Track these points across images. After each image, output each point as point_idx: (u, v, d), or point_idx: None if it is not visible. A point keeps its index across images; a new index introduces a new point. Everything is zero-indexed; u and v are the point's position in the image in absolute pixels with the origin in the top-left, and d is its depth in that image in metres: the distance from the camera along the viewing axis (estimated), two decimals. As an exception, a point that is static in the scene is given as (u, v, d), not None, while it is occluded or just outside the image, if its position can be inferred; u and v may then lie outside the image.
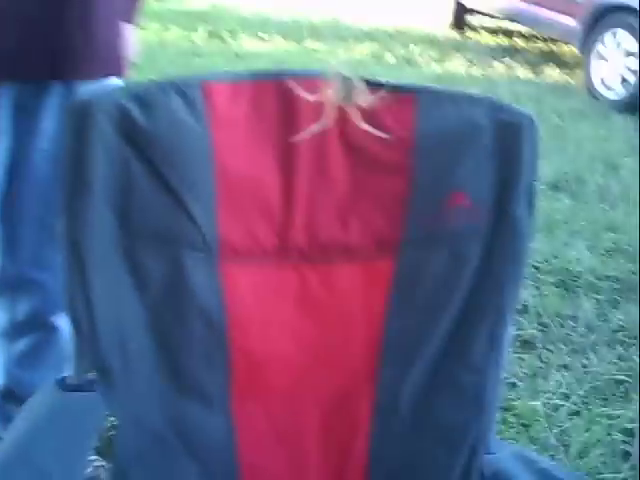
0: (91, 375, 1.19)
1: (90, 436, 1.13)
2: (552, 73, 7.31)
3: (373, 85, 1.22)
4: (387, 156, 1.22)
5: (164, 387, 1.20)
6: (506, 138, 1.22)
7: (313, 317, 1.24)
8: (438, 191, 1.23)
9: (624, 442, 2.35)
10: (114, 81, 1.64)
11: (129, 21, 1.78)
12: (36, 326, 1.81)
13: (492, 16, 8.55)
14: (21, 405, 1.77)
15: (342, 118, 1.21)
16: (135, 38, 1.87)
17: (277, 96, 1.20)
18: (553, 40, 8.20)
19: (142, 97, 1.14)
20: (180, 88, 1.16)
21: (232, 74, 1.21)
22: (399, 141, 1.22)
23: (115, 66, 1.65)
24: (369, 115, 1.21)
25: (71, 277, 1.14)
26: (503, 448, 1.34)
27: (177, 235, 1.17)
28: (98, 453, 2.04)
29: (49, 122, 1.57)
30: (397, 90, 1.23)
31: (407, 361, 1.25)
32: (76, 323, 1.15)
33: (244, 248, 1.21)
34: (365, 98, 1.20)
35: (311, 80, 1.21)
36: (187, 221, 1.17)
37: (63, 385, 1.19)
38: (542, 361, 2.73)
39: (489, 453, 1.30)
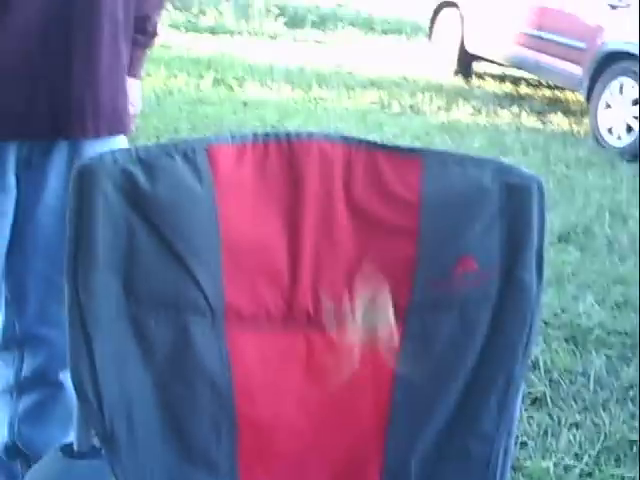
0: (96, 442, 1.17)
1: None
2: (559, 121, 7.33)
3: (379, 147, 1.21)
4: (393, 219, 1.21)
5: (170, 455, 1.18)
6: (514, 201, 1.20)
7: (321, 383, 1.22)
8: (446, 255, 1.21)
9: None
10: (120, 139, 1.64)
11: (134, 76, 1.77)
12: (42, 382, 1.79)
13: (498, 63, 8.61)
14: (25, 462, 1.76)
15: (347, 180, 1.20)
16: (140, 92, 1.86)
17: (282, 158, 1.19)
18: (559, 87, 8.24)
19: (147, 161, 1.13)
20: (185, 152, 1.14)
21: (237, 136, 1.19)
22: (405, 204, 1.20)
23: (121, 123, 1.64)
24: (376, 178, 1.20)
25: (75, 344, 1.13)
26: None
27: (182, 301, 1.16)
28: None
29: (55, 179, 1.57)
30: (403, 152, 1.21)
31: (416, 429, 1.23)
32: (80, 391, 1.13)
33: (250, 313, 1.20)
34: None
35: (315, 141, 1.19)
36: (192, 287, 1.15)
37: (68, 452, 1.17)
38: (552, 419, 2.69)
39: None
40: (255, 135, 1.20)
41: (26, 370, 1.79)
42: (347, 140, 1.21)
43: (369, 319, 1.22)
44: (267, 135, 1.20)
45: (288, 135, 1.20)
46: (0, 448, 1.87)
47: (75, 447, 1.17)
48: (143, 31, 1.77)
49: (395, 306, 1.22)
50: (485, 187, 1.20)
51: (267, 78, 7.83)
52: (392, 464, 1.24)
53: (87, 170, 1.11)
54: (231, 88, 7.41)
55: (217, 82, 7.53)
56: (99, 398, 1.13)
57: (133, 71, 1.76)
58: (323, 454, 1.25)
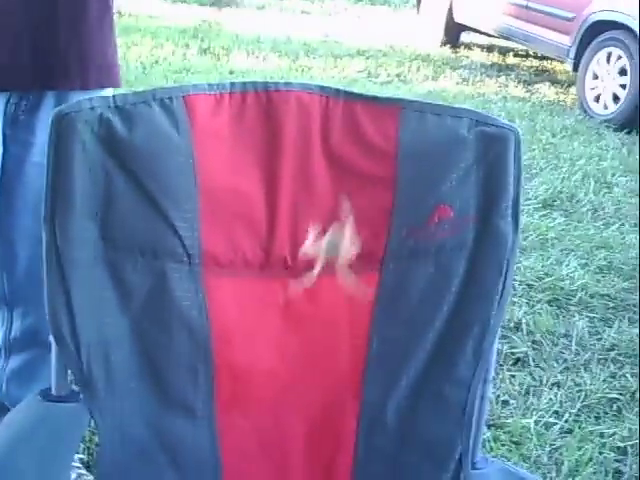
0: (75, 387, 1.18)
1: (73, 446, 1.12)
2: (546, 91, 7.32)
3: (357, 97, 1.21)
4: (371, 168, 1.22)
5: (148, 399, 1.19)
6: (491, 150, 1.21)
7: (297, 330, 1.23)
8: (422, 204, 1.22)
9: (616, 460, 2.34)
10: (108, 92, 1.62)
11: None
12: (32, 343, 1.79)
13: (486, 34, 8.59)
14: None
15: (324, 130, 1.20)
16: None
17: (260, 107, 1.19)
18: (547, 58, 8.23)
19: (124, 108, 1.13)
20: (163, 100, 1.15)
21: (214, 85, 1.19)
22: (382, 153, 1.21)
23: (110, 76, 1.62)
24: (353, 127, 1.21)
25: (52, 288, 1.13)
26: (490, 464, 1.32)
27: (160, 248, 1.16)
28: (86, 467, 2.03)
29: (42, 135, 1.56)
30: (380, 102, 1.22)
31: (392, 375, 1.25)
32: (58, 334, 1.14)
33: (228, 261, 1.20)
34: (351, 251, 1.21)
35: (293, 91, 1.20)
36: (170, 233, 1.16)
37: (47, 396, 1.18)
38: (534, 379, 2.71)
39: (476, 469, 1.29)
40: (233, 84, 1.20)
41: (15, 330, 1.80)
42: (325, 90, 1.21)
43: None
44: (245, 85, 1.20)
45: (266, 85, 1.20)
46: (-14, 406, 1.88)
47: (53, 391, 1.18)
48: None
49: (371, 255, 1.24)
50: (462, 136, 1.21)
51: (254, 48, 7.80)
52: (369, 409, 1.25)
53: (64, 117, 1.11)
54: (218, 57, 7.38)
55: (203, 51, 7.50)
56: (77, 342, 1.14)
57: None
58: (300, 399, 1.26)
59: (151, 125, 1.13)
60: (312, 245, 1.22)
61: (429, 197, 1.22)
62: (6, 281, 1.73)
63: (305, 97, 1.20)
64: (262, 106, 1.19)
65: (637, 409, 2.57)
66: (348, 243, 1.22)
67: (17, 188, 1.61)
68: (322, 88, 1.22)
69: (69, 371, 1.18)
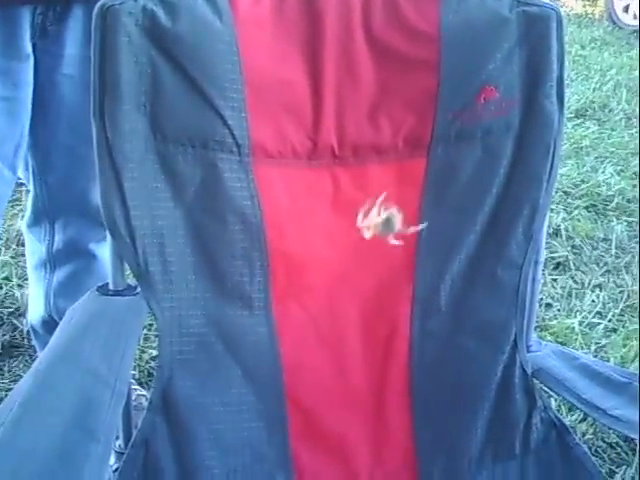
0: (131, 281, 1.20)
1: (134, 337, 1.14)
2: (573, 4, 7.21)
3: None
4: (414, 52, 1.21)
5: (204, 289, 1.20)
6: (533, 30, 1.20)
7: (347, 218, 1.24)
8: (467, 86, 1.22)
9: (660, 356, 2.35)
10: None
11: None
12: (74, 254, 1.81)
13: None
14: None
15: (365, 16, 1.20)
16: None
17: None
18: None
19: (166, -1, 1.13)
20: (204, -12, 1.14)
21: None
22: (425, 37, 1.20)
23: None
24: (395, 12, 1.20)
25: (105, 182, 1.14)
26: (544, 347, 1.34)
27: (209, 138, 1.16)
28: (139, 383, 2.07)
29: (72, 47, 1.55)
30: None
31: (444, 258, 1.25)
32: (113, 227, 1.15)
33: (276, 150, 1.21)
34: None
35: None
36: (219, 123, 1.16)
37: (105, 291, 1.20)
38: (576, 282, 2.72)
39: (530, 351, 1.30)
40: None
41: (58, 243, 1.81)
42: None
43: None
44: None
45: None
46: (38, 322, 1.91)
47: (111, 286, 1.20)
48: None
49: (419, 140, 1.24)
50: (504, 17, 1.20)
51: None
52: (422, 293, 1.26)
53: (109, 9, 1.10)
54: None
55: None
56: (131, 233, 1.15)
57: None
58: (353, 286, 1.27)
59: (194, 15, 1.13)
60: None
61: (474, 79, 1.21)
62: (46, 194, 1.74)
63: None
64: None
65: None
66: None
67: (50, 100, 1.61)
68: (362, -26, 1.20)
69: (126, 265, 1.19)
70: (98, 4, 1.11)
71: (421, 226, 1.22)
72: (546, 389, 1.30)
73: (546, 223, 1.29)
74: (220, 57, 1.15)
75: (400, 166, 1.25)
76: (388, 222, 1.20)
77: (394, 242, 1.20)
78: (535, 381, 1.28)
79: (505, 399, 1.27)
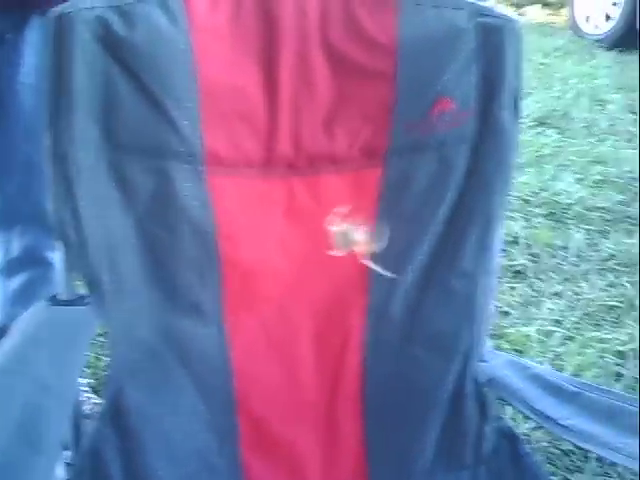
0: (82, 291, 1.19)
1: (83, 348, 1.13)
2: (536, 14, 7.27)
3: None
4: (371, 64, 1.21)
5: (155, 299, 1.19)
6: (489, 42, 1.20)
7: (302, 228, 1.24)
8: (423, 97, 1.22)
9: (617, 364, 2.37)
10: None
11: None
12: (31, 262, 1.80)
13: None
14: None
15: (323, 25, 1.19)
16: None
17: (257, 4, 1.18)
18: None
19: (122, 7, 1.11)
20: (159, -3, 1.14)
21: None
22: (382, 48, 1.20)
23: None
24: (352, 22, 1.20)
25: (57, 192, 1.13)
26: (497, 357, 1.34)
27: (162, 147, 1.16)
28: (95, 391, 2.05)
29: (32, 56, 1.55)
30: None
31: (398, 268, 1.25)
32: (64, 238, 1.14)
33: (230, 159, 1.20)
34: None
35: None
36: (172, 133, 1.15)
37: (54, 301, 1.19)
38: (534, 290, 2.74)
39: (483, 361, 1.31)
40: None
41: (14, 251, 1.80)
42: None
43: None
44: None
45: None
46: (-7, 329, 1.89)
47: (61, 296, 1.19)
48: None
49: (374, 150, 1.24)
50: (461, 28, 1.20)
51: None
52: (375, 304, 1.26)
53: (63, 17, 1.09)
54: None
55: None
56: (83, 242, 1.14)
57: None
58: (307, 295, 1.27)
59: (150, 23, 1.12)
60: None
61: (429, 90, 1.21)
62: (3, 202, 1.73)
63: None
64: (259, 2, 1.18)
65: (636, 314, 2.60)
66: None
67: (9, 108, 1.60)
68: (319, -17, 1.20)
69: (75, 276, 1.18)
70: (52, 12, 1.10)
71: (382, 244, 1.23)
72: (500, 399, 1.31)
73: (501, 233, 1.29)
74: (175, 66, 1.14)
75: (356, 176, 1.25)
76: (346, 236, 1.20)
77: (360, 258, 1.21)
78: (488, 391, 1.28)
79: (457, 409, 1.27)
